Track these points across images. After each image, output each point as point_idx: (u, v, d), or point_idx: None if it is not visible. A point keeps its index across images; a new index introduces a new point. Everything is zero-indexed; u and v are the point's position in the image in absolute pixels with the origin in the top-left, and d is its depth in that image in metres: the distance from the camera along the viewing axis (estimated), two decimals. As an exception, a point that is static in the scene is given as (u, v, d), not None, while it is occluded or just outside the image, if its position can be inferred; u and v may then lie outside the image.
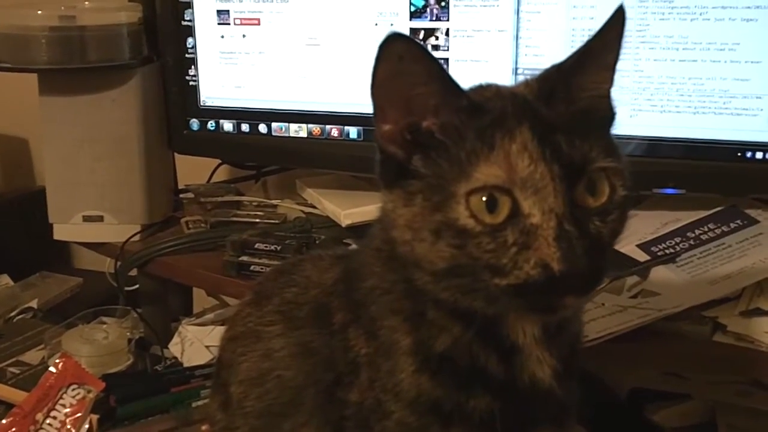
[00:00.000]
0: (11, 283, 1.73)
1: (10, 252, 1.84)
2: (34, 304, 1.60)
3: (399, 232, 0.60)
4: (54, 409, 1.17)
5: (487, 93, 0.62)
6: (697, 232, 1.07)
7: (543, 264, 0.55)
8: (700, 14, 1.02)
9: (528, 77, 0.65)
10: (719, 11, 1.01)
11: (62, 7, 1.25)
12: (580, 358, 0.69)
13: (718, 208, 1.09)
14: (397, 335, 0.64)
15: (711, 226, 1.07)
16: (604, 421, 1.15)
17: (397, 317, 0.64)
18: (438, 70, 0.58)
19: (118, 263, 1.27)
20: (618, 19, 0.61)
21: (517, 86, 0.64)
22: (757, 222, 1.06)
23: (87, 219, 1.29)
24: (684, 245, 1.05)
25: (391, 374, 0.64)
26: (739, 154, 1.05)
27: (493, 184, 0.56)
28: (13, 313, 1.55)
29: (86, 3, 1.30)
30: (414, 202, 0.59)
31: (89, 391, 1.18)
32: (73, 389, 1.18)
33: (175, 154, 1.43)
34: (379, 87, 0.59)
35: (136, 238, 1.29)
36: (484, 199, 0.56)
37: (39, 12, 1.22)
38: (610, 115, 0.64)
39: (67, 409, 1.16)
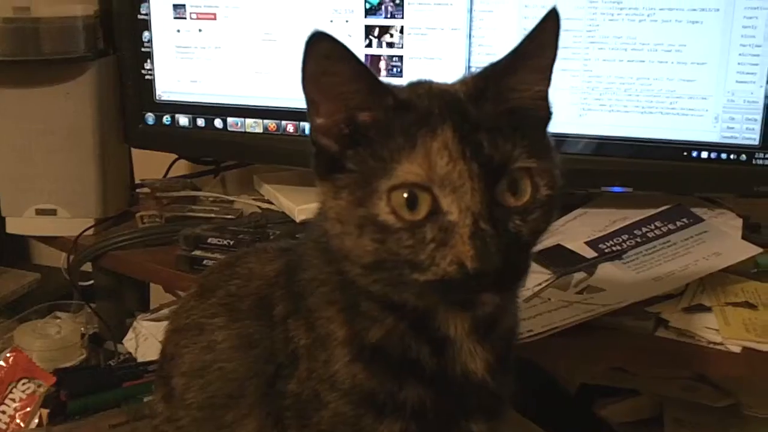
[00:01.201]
0: (-32, 280, 1.72)
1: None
2: (-14, 300, 1.59)
3: (330, 225, 0.61)
4: (3, 403, 1.16)
5: (420, 90, 0.62)
6: (644, 229, 1.09)
7: (458, 261, 0.56)
8: (648, 15, 1.04)
9: (467, 74, 0.65)
10: (666, 13, 1.03)
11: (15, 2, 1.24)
12: (515, 353, 0.70)
13: (665, 207, 1.11)
14: (333, 326, 0.65)
15: (658, 224, 1.09)
16: (553, 415, 1.17)
17: (332, 308, 0.65)
18: (362, 70, 0.59)
19: (71, 257, 1.26)
20: (551, 21, 0.61)
21: (454, 84, 0.64)
22: (702, 220, 1.08)
23: (40, 212, 1.28)
24: (631, 242, 1.07)
25: (327, 365, 0.64)
26: (685, 153, 1.07)
27: (412, 182, 0.57)
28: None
29: (42, -5, 1.29)
30: (341, 195, 0.60)
31: (39, 386, 1.17)
32: (24, 383, 1.18)
33: (133, 149, 1.43)
34: (309, 83, 0.59)
35: (90, 232, 1.28)
36: (405, 195, 0.57)
37: (-9, 4, 1.21)
38: (545, 115, 0.65)
39: (17, 404, 1.16)
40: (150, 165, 1.49)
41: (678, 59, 1.04)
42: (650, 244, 1.06)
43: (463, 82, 0.64)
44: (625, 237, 1.08)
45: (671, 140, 1.07)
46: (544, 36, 0.62)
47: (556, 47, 0.62)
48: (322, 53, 0.57)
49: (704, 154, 1.06)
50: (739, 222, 1.07)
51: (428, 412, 0.64)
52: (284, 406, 0.67)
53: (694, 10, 1.02)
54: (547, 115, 0.65)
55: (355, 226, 0.58)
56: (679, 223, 1.08)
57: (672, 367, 1.02)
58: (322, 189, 0.62)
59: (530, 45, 0.61)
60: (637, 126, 1.08)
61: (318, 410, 0.65)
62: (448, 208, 0.56)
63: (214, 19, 1.24)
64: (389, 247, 0.57)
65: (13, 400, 1.16)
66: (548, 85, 0.64)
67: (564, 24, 1.08)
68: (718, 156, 1.05)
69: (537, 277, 1.03)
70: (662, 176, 1.08)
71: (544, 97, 0.64)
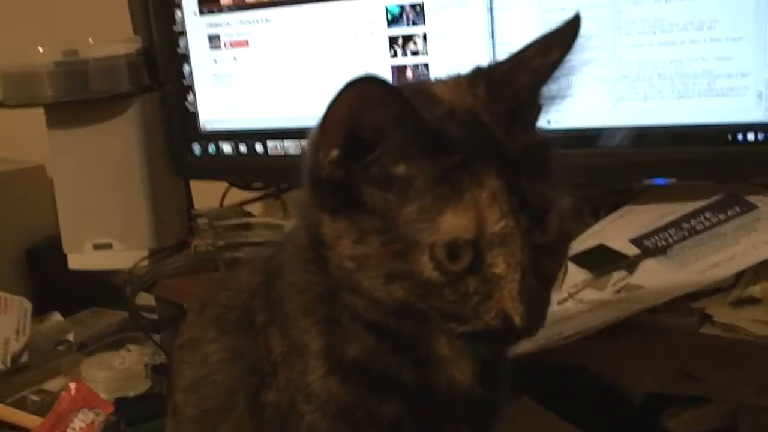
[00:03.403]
0: (61, 319, 1.80)
1: (67, 290, 1.90)
2: (70, 337, 1.65)
3: (337, 259, 0.56)
4: (65, 432, 1.20)
5: (438, 111, 0.55)
6: (693, 222, 1.01)
7: (504, 315, 0.53)
8: (675, -6, 0.98)
9: (464, 75, 0.60)
10: (693, -11, 0.97)
11: (64, 46, 1.30)
12: (509, 358, 0.67)
13: (717, 197, 1.03)
14: (308, 337, 0.62)
15: (707, 215, 1.01)
16: (615, 427, 1.10)
17: (308, 319, 0.63)
18: (410, 113, 0.53)
19: (127, 289, 1.30)
20: (574, 25, 0.59)
21: (458, 89, 0.58)
22: (756, 207, 1.00)
23: (97, 247, 1.32)
24: (677, 237, 1.00)
25: (303, 375, 0.62)
26: (729, 137, 0.99)
27: (463, 238, 0.53)
28: (51, 346, 1.60)
29: (90, 40, 1.34)
30: (368, 241, 0.55)
31: (98, 414, 1.20)
32: (84, 413, 1.21)
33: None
34: (339, 123, 0.54)
35: (145, 263, 1.31)
36: (446, 248, 0.53)
37: (41, 49, 1.27)
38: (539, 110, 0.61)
39: (77, 432, 1.19)
40: (212, 193, 1.51)
41: (711, 36, 0.97)
42: (698, 237, 0.98)
43: (472, 92, 0.58)
44: (671, 231, 1.01)
45: (713, 124, 0.99)
46: (568, 40, 0.58)
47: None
48: (369, 96, 0.52)
49: (750, 136, 0.98)
50: (798, 207, 0.98)
51: (409, 425, 0.61)
52: (266, 418, 0.65)
53: (724, -18, 0.95)
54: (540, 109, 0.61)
55: (383, 275, 0.55)
56: (730, 213, 1.00)
57: (723, 367, 0.94)
58: (332, 225, 0.56)
59: (563, 56, 0.58)
60: (675, 112, 1.01)
61: (296, 422, 0.63)
62: (492, 261, 0.53)
63: (247, 45, 1.26)
64: (428, 301, 0.54)
65: (74, 429, 1.19)
66: None
67: (586, 12, 1.04)
68: (766, 137, 0.97)
69: (573, 278, 0.98)
70: (707, 163, 1.01)
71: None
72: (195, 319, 0.77)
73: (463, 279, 0.53)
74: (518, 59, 0.59)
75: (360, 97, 0.52)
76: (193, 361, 0.74)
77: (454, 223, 0.52)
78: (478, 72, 0.60)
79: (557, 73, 0.58)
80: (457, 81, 0.59)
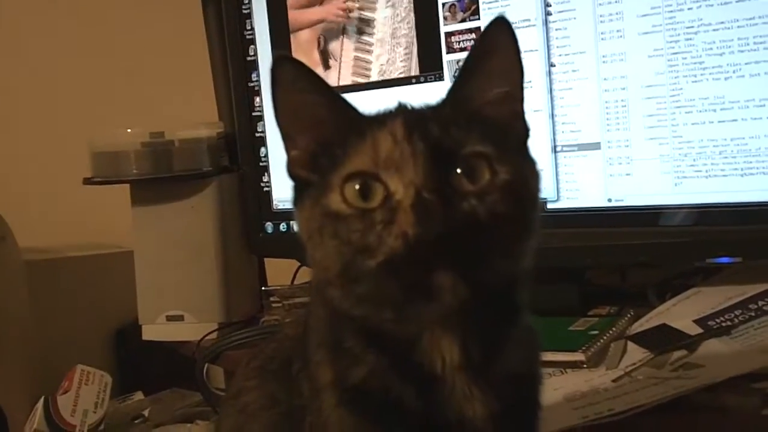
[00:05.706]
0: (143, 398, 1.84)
1: (151, 370, 1.95)
2: (146, 413, 1.69)
3: (305, 246, 0.61)
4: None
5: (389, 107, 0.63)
6: (760, 303, 0.98)
7: (403, 233, 0.55)
8: (734, 72, 0.98)
9: None
10: (753, 66, 0.96)
11: (151, 128, 1.38)
12: (531, 401, 0.65)
13: (787, 277, 1.00)
14: (322, 369, 0.63)
15: (776, 295, 0.98)
16: None
17: (322, 350, 0.64)
18: (331, 94, 0.62)
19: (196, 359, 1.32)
20: (495, 27, 0.61)
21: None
22: (826, 288, 0.96)
23: (170, 318, 1.37)
24: (743, 317, 0.97)
25: (320, 413, 0.63)
26: (796, 215, 0.96)
27: (360, 170, 0.57)
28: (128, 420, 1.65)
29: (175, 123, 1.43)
30: (305, 205, 0.61)
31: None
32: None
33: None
34: (282, 115, 0.62)
35: (213, 336, 1.34)
36: (357, 186, 0.57)
37: (129, 131, 1.36)
38: (519, 131, 0.64)
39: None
40: (286, 272, 1.55)
41: (773, 114, 0.96)
42: (764, 318, 0.95)
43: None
44: (737, 312, 0.98)
45: (778, 202, 0.97)
46: (490, 41, 0.62)
47: (510, 52, 0.62)
48: (290, 79, 0.61)
49: (818, 213, 0.95)
50: None
51: None
52: None
53: (784, 59, 0.95)
54: (522, 131, 0.64)
55: (317, 231, 0.59)
56: (800, 293, 0.97)
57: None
58: (296, 216, 0.63)
59: (477, 52, 0.62)
60: (738, 190, 0.99)
61: None
62: (395, 188, 0.56)
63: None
64: (342, 237, 0.57)
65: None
66: (513, 93, 0.63)
67: (645, 92, 1.05)
68: (834, 215, 0.94)
69: (633, 356, 0.95)
70: (773, 242, 0.98)
71: (512, 109, 0.63)
72: (241, 372, 0.79)
73: (373, 212, 0.56)
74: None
75: (285, 84, 0.60)
76: (233, 410, 0.75)
77: (354, 160, 0.58)
78: None
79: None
80: None
